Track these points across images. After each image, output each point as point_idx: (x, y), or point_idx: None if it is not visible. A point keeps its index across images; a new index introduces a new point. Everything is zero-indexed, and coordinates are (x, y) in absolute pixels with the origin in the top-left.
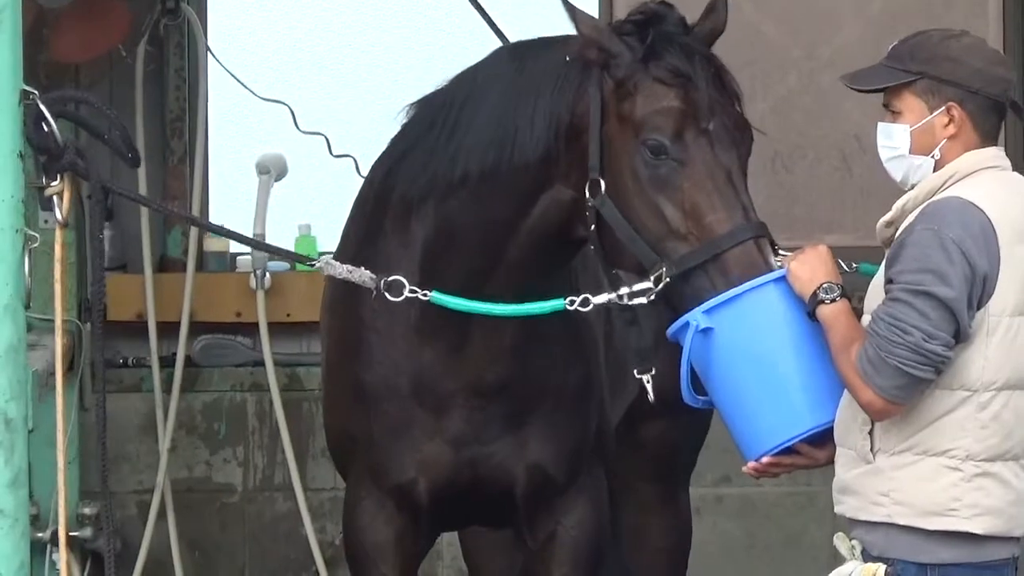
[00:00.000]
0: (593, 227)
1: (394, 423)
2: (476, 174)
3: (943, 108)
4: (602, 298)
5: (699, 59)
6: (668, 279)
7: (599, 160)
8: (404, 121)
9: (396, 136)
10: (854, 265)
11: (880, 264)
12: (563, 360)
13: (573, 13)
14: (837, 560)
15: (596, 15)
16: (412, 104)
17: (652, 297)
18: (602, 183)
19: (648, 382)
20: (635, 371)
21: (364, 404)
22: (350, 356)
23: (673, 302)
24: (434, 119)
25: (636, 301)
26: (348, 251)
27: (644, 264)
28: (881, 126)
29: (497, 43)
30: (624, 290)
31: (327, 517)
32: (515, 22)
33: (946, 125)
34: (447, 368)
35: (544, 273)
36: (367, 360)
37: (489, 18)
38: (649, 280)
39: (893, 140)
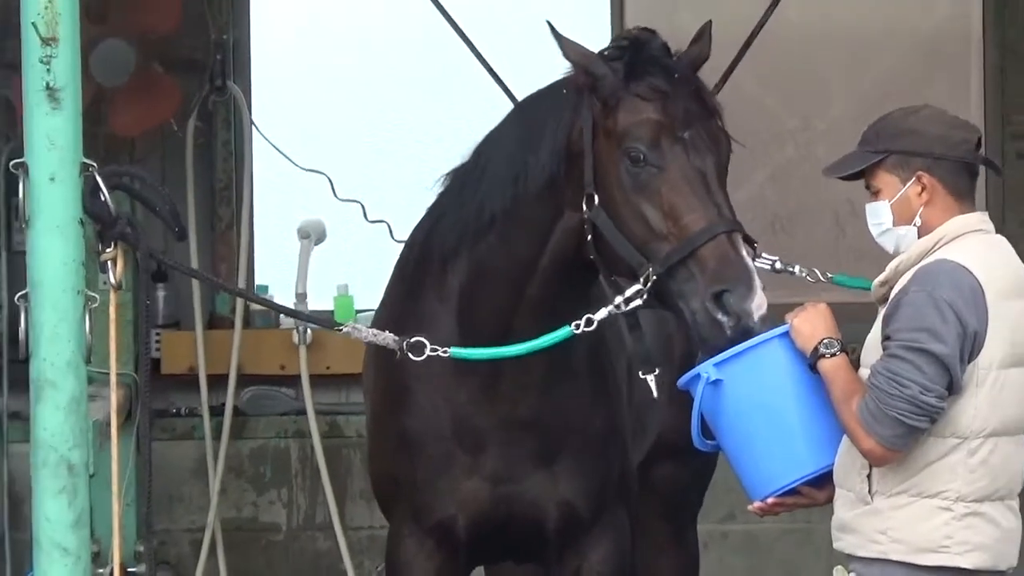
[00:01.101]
0: (590, 238)
1: (436, 464)
2: (500, 213)
3: (914, 179)
4: (602, 313)
5: (677, 77)
6: (655, 278)
7: (592, 175)
8: (439, 190)
9: (432, 203)
10: (829, 275)
11: (858, 278)
12: (590, 402)
13: (561, 41)
14: None
15: (608, 31)
16: (446, 174)
17: (645, 297)
18: (596, 197)
19: (652, 381)
20: (640, 372)
21: (408, 449)
22: (395, 406)
23: (662, 299)
24: (464, 180)
25: (633, 305)
26: (390, 309)
27: (634, 267)
28: (868, 207)
29: None
30: (619, 298)
31: (365, 554)
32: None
33: (920, 193)
34: (482, 406)
35: (566, 301)
36: (411, 408)
37: (508, 90)
38: (639, 282)
39: (879, 217)
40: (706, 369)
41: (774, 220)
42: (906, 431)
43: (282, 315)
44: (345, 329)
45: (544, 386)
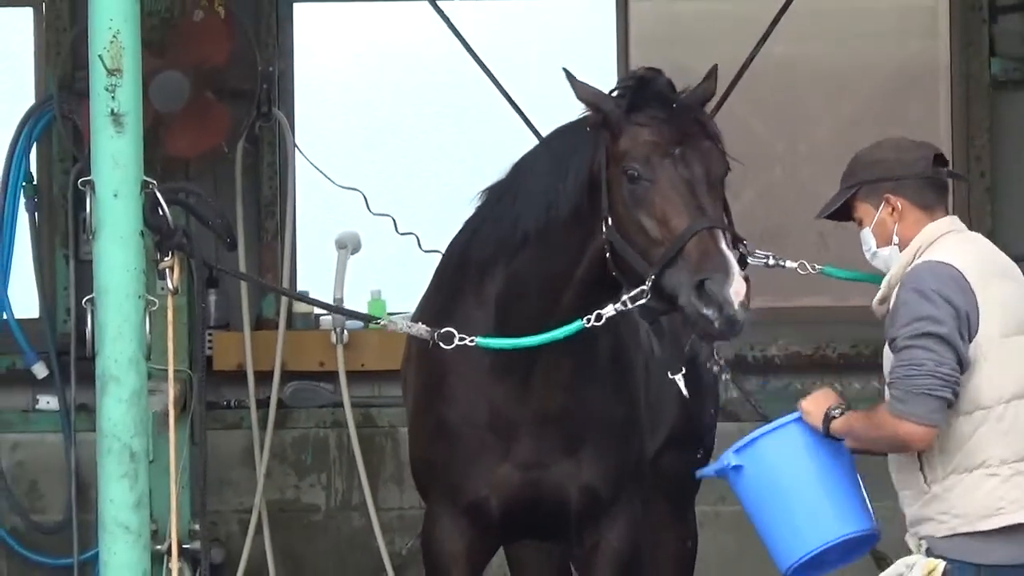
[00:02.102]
0: (609, 255)
1: (472, 450)
2: (533, 234)
3: (883, 202)
4: (609, 309)
5: (675, 107)
6: (653, 276)
7: (607, 200)
8: (477, 204)
9: (470, 216)
10: (818, 267)
11: (845, 270)
12: (612, 398)
13: (573, 83)
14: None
15: (614, 42)
16: (482, 191)
17: (648, 297)
18: (610, 218)
19: (680, 381)
20: (668, 373)
21: (447, 436)
22: (435, 398)
23: (664, 300)
24: (501, 196)
25: (638, 303)
26: (429, 312)
27: (642, 274)
28: (861, 235)
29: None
30: (624, 297)
31: (395, 532)
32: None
33: (891, 213)
34: (516, 401)
35: (592, 307)
36: (450, 400)
37: (528, 120)
38: (644, 284)
39: (867, 244)
40: (728, 457)
41: (763, 233)
42: (937, 404)
43: (321, 317)
44: (382, 322)
45: (572, 384)
